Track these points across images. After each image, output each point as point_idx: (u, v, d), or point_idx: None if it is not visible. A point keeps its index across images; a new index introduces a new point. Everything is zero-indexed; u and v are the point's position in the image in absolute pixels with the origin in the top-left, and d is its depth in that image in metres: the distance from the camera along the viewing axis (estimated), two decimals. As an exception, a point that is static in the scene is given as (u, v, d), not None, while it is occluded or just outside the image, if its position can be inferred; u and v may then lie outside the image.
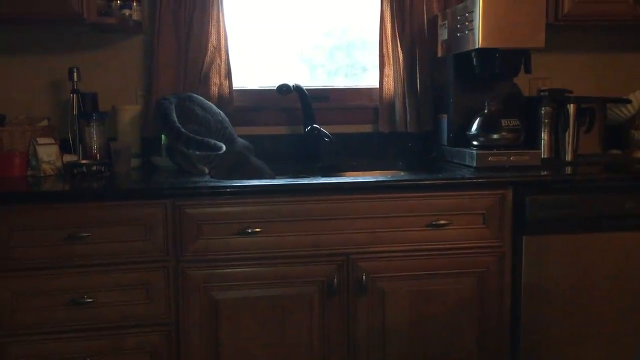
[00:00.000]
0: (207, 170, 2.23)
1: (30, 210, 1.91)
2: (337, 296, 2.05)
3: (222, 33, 2.49)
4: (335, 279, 2.04)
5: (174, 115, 2.17)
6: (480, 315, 2.14)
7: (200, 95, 2.45)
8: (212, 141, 2.14)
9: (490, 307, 2.14)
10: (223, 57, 2.51)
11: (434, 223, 2.07)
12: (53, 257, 1.92)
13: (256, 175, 2.28)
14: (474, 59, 2.33)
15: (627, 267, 2.19)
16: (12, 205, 1.91)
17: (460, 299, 2.12)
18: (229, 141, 2.28)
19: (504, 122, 2.28)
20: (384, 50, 2.62)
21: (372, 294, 2.08)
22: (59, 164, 2.27)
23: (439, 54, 2.57)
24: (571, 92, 2.52)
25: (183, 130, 2.14)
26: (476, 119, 2.33)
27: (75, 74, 2.35)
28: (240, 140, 2.39)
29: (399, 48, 2.60)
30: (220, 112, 2.35)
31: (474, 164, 2.24)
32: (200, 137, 2.14)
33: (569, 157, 2.44)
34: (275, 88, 2.57)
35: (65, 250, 1.92)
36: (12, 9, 2.14)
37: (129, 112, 2.46)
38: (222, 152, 2.14)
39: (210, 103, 2.35)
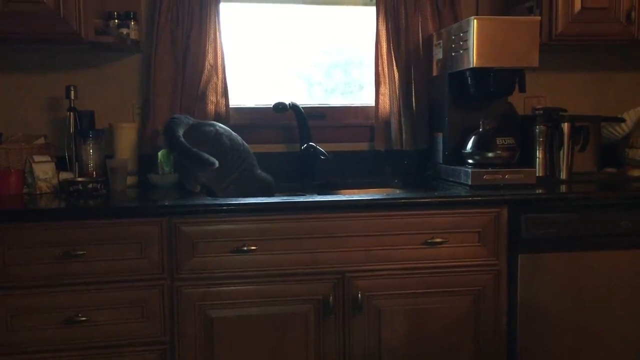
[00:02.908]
0: (199, 189, 2.24)
1: (25, 228, 1.91)
2: (332, 315, 2.05)
3: (219, 52, 2.51)
4: (331, 298, 2.04)
5: (180, 128, 2.19)
6: (477, 333, 2.14)
7: (197, 113, 2.48)
8: (206, 156, 2.12)
9: (486, 326, 2.14)
10: (220, 75, 2.52)
11: (429, 241, 2.08)
12: (48, 275, 1.91)
13: None
14: (469, 78, 2.35)
15: (623, 285, 2.19)
16: (7, 223, 1.90)
17: (456, 317, 2.12)
18: (247, 171, 2.30)
19: (499, 141, 2.30)
20: (380, 69, 2.65)
21: (368, 312, 2.07)
22: (55, 181, 2.28)
23: (434, 73, 2.59)
24: (566, 110, 2.54)
25: (181, 140, 2.15)
26: (471, 138, 2.34)
27: (72, 92, 2.35)
28: (265, 174, 2.38)
29: (395, 67, 2.62)
30: (244, 144, 2.35)
31: (469, 182, 2.25)
32: (194, 150, 2.13)
33: (563, 176, 2.45)
34: (271, 106, 2.58)
35: (61, 268, 1.92)
36: (11, 28, 2.15)
37: (126, 130, 2.46)
38: (215, 167, 2.13)
39: (236, 135, 2.35)
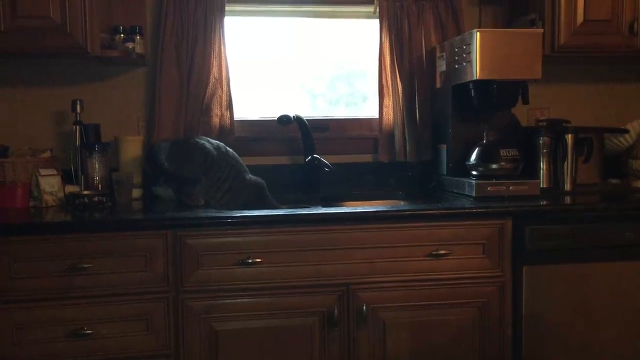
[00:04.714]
0: (202, 201, 2.25)
1: (31, 241, 1.92)
2: (337, 327, 2.05)
3: (223, 65, 2.53)
4: (336, 310, 2.04)
5: (161, 154, 2.26)
6: (482, 345, 2.13)
7: (202, 126, 2.50)
8: (190, 175, 2.22)
9: (491, 338, 2.13)
10: (224, 88, 2.54)
11: (434, 253, 2.08)
12: (54, 288, 1.92)
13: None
14: (472, 90, 2.36)
15: (628, 296, 2.18)
16: (13, 236, 1.91)
17: (461, 329, 2.12)
18: (238, 179, 2.32)
19: (502, 152, 2.30)
20: (383, 81, 2.66)
21: (372, 324, 2.07)
22: (60, 194, 2.29)
23: (438, 85, 2.60)
24: (569, 122, 2.54)
25: (165, 166, 2.22)
26: (475, 149, 2.34)
27: (78, 105, 2.37)
28: (254, 177, 2.39)
29: (398, 79, 2.63)
30: (229, 151, 2.36)
31: (473, 194, 2.25)
32: (177, 173, 2.22)
33: (567, 187, 2.45)
34: (275, 119, 2.59)
35: (66, 281, 1.92)
36: (18, 43, 2.17)
37: (131, 143, 2.48)
38: (200, 185, 2.22)
39: (217, 143, 2.37)
